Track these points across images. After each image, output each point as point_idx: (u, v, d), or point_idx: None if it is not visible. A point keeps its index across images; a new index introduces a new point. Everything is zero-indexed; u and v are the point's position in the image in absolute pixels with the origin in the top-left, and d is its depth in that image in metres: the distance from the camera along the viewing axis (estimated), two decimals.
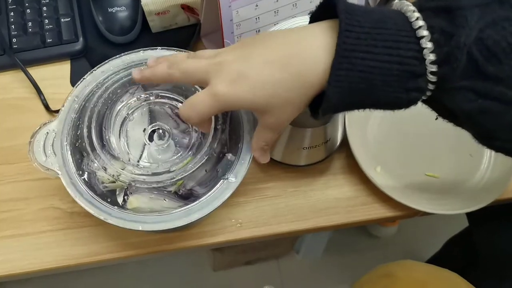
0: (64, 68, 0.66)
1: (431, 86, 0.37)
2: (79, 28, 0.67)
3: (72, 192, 0.46)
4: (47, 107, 0.63)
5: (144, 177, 0.47)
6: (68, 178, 0.47)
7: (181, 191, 0.50)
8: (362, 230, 1.40)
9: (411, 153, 0.64)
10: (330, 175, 0.62)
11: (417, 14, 0.37)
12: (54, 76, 0.66)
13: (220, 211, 0.59)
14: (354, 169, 0.62)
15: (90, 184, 0.48)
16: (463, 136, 0.64)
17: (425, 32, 0.36)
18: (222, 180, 0.48)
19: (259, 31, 0.59)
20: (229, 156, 0.50)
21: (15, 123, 0.62)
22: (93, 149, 0.47)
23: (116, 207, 0.47)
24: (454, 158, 0.64)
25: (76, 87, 0.51)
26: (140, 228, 0.46)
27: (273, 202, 0.60)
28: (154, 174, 0.48)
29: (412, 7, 0.37)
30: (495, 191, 0.59)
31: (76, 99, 0.50)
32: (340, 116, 0.57)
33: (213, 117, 0.48)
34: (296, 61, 0.39)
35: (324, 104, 0.39)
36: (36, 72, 0.65)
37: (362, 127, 0.64)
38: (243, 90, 0.40)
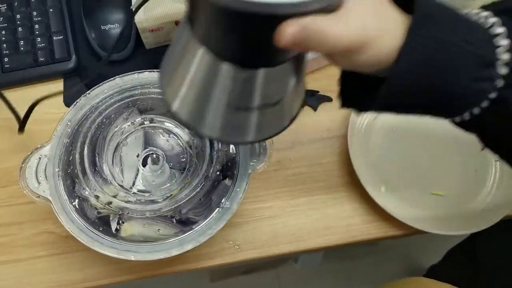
0: (57, 87, 0.65)
1: (500, 83, 0.35)
2: (72, 46, 0.66)
3: (64, 220, 0.45)
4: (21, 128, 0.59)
5: (136, 205, 0.46)
6: (60, 206, 0.46)
7: (176, 217, 0.49)
8: None
9: (415, 172, 0.63)
10: (329, 193, 0.61)
11: (483, 10, 0.36)
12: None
13: (217, 233, 0.58)
14: (355, 187, 0.61)
15: (82, 211, 0.47)
16: (468, 154, 0.64)
17: (493, 19, 0.35)
18: (217, 208, 0.47)
19: None
20: (226, 181, 0.49)
21: (6, 145, 0.61)
22: (85, 175, 0.47)
23: (108, 236, 0.46)
24: (460, 175, 0.63)
25: (69, 111, 0.50)
26: (133, 258, 0.45)
27: (271, 223, 0.59)
28: (147, 202, 0.47)
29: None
30: (502, 208, 0.58)
31: (68, 123, 0.49)
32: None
33: (208, 145, 0.47)
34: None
35: (392, 71, 0.34)
36: (29, 91, 0.64)
37: (365, 146, 0.63)
38: None
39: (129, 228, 0.47)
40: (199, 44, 0.33)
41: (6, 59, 0.64)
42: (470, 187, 0.62)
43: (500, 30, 0.34)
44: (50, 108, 0.63)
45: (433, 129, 0.65)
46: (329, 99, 0.65)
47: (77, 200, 0.46)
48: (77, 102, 0.50)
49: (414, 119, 0.64)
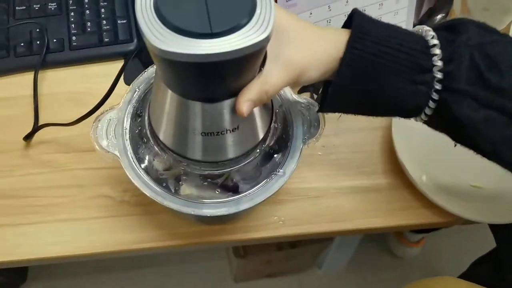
0: (118, 67, 0.69)
1: (437, 85, 0.40)
2: (134, 30, 0.70)
3: (130, 174, 0.48)
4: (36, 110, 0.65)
5: (199, 164, 0.49)
6: (126, 161, 0.49)
7: (228, 183, 0.52)
8: (385, 250, 1.40)
9: (456, 163, 0.64)
10: (372, 179, 0.64)
11: (423, 25, 0.42)
12: (108, 73, 0.68)
13: (263, 208, 0.61)
14: (397, 174, 0.64)
15: (146, 170, 0.50)
16: None
17: (431, 33, 0.40)
18: (272, 174, 0.50)
19: None
20: (277, 157, 0.52)
21: (70, 116, 0.65)
22: (153, 134, 0.49)
23: (169, 193, 0.49)
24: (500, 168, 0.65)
25: (138, 78, 0.54)
26: (192, 213, 0.48)
27: (315, 202, 0.62)
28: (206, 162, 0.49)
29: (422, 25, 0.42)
30: None
31: (137, 89, 0.53)
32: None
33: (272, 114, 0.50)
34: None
35: (334, 80, 0.41)
36: (92, 69, 0.69)
37: (408, 135, 0.65)
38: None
39: (188, 188, 0.50)
40: (166, 87, 0.41)
41: (74, 38, 0.69)
42: (510, 184, 0.64)
43: (435, 41, 0.40)
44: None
45: None
46: None
47: (145, 158, 0.50)
48: (145, 71, 0.54)
49: None
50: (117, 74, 0.54)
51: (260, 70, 0.41)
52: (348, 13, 0.61)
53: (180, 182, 0.49)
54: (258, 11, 0.35)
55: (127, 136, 0.50)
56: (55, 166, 0.62)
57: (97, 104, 0.54)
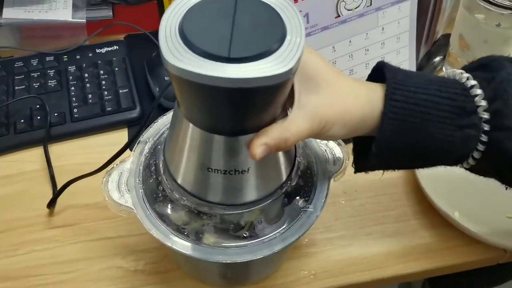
0: (122, 135, 0.68)
1: (486, 126, 0.38)
2: (136, 98, 0.69)
3: (148, 226, 0.44)
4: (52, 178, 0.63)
5: (221, 207, 0.45)
6: (142, 212, 0.45)
7: (250, 232, 0.47)
8: None
9: (487, 196, 0.61)
10: (402, 221, 0.59)
11: (454, 69, 0.41)
12: (112, 142, 0.66)
13: (291, 263, 0.56)
14: (428, 215, 0.60)
15: (164, 221, 0.46)
16: None
17: (465, 74, 0.39)
18: (301, 211, 0.46)
19: None
20: (303, 196, 0.48)
21: (80, 187, 0.61)
22: (170, 180, 0.46)
23: (192, 242, 0.44)
24: None
25: (148, 130, 0.51)
26: (221, 260, 0.43)
27: (345, 251, 0.57)
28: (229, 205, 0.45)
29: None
30: None
31: (148, 140, 0.50)
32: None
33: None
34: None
35: (378, 136, 0.39)
36: (96, 139, 0.67)
37: (432, 172, 0.62)
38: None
39: (211, 236, 0.45)
40: (187, 121, 0.38)
41: (75, 110, 0.67)
42: None
43: (473, 82, 0.39)
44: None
45: None
46: None
47: (162, 209, 0.46)
48: (155, 122, 0.52)
49: None
50: (128, 140, 0.52)
51: (285, 114, 0.39)
52: (352, 53, 0.61)
53: (204, 227, 0.45)
54: (285, 44, 0.33)
55: (141, 187, 0.47)
56: (61, 240, 0.57)
57: (117, 153, 0.51)
